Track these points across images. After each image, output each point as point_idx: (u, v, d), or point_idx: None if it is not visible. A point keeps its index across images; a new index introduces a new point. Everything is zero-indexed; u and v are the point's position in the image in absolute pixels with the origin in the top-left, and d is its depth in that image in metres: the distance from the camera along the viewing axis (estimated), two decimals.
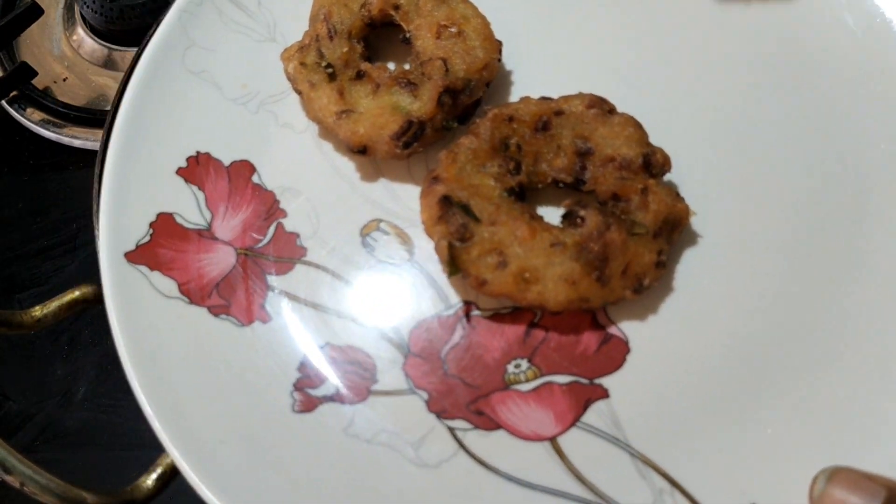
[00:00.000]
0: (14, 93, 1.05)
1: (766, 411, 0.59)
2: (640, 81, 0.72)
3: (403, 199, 0.70)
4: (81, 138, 1.02)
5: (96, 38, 1.08)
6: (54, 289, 0.63)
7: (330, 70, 0.69)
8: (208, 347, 0.64)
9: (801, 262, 0.64)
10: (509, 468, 0.59)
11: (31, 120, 1.03)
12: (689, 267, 0.65)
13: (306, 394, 0.63)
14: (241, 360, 0.64)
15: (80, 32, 1.09)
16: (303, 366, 0.64)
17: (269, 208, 0.70)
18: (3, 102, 1.04)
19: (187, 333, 0.64)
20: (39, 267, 0.98)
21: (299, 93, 0.70)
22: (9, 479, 0.62)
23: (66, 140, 1.02)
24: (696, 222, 0.66)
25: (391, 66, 0.73)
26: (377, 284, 0.67)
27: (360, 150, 0.68)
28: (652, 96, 0.71)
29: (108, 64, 1.07)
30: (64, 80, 1.07)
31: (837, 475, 0.53)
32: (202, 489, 0.58)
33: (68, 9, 1.12)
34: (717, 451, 0.59)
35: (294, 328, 0.65)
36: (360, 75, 0.69)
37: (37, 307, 0.75)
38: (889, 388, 0.59)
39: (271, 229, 0.69)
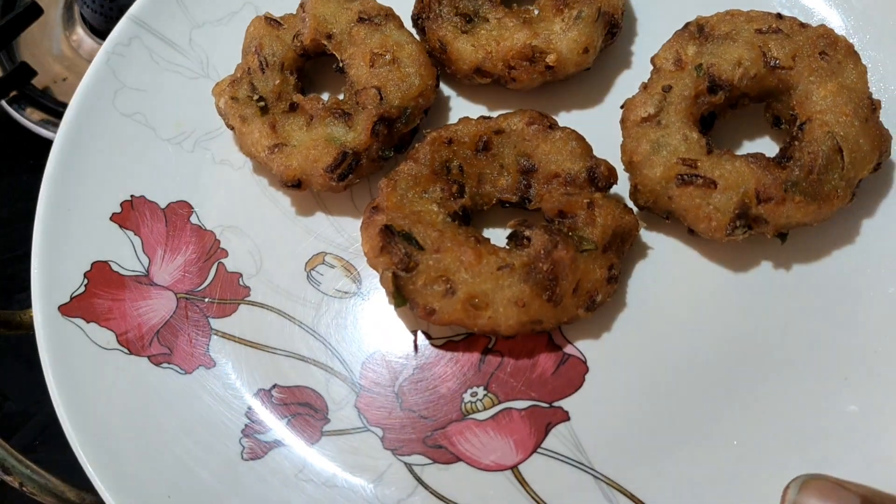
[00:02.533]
0: (14, 93, 1.03)
1: (731, 424, 0.58)
2: (582, 93, 0.71)
3: (348, 231, 0.68)
4: None
5: (96, 38, 1.06)
6: None
7: (262, 103, 0.67)
8: (151, 398, 0.61)
9: (757, 269, 0.63)
10: (471, 502, 0.57)
11: (30, 120, 1.02)
12: (642, 280, 0.63)
13: (256, 440, 0.60)
14: (186, 409, 0.61)
15: (80, 32, 1.07)
16: (251, 411, 0.61)
17: (209, 248, 0.68)
18: (3, 102, 1.03)
19: (128, 386, 0.62)
20: None
21: (231, 128, 0.68)
22: (8, 479, 0.61)
23: None
24: (646, 234, 0.64)
25: (326, 96, 0.71)
26: (324, 320, 0.64)
27: (294, 185, 0.66)
28: (594, 107, 0.70)
29: None
30: (63, 80, 1.05)
31: (810, 484, 0.52)
32: None
33: (68, 9, 1.10)
34: (683, 468, 0.57)
35: (240, 372, 0.63)
36: (293, 107, 0.67)
37: None
38: (852, 395, 0.57)
39: (212, 270, 0.67)
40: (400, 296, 0.60)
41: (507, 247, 0.61)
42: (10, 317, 0.72)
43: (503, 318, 0.58)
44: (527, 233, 0.59)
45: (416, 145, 0.65)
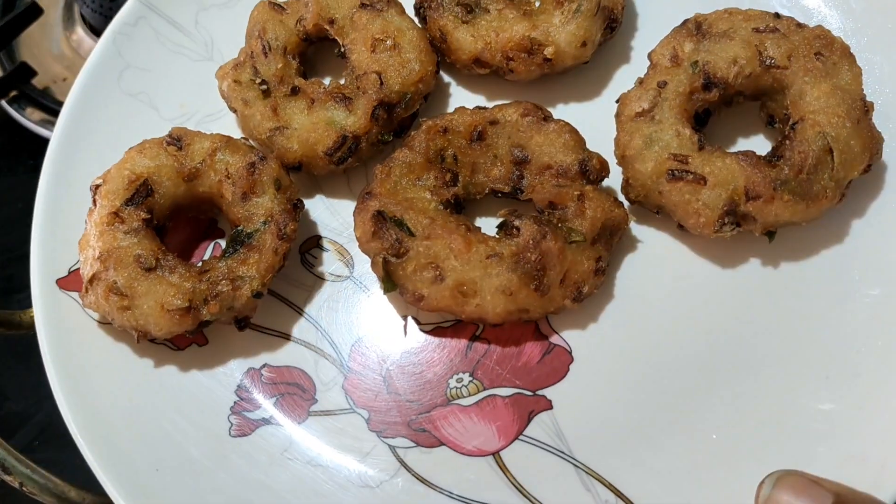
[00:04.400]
0: (14, 93, 1.04)
1: (710, 418, 0.59)
2: (579, 86, 0.72)
3: (342, 215, 0.69)
4: None
5: (96, 38, 1.05)
6: None
7: (264, 87, 0.68)
8: (143, 373, 0.63)
9: (744, 266, 0.63)
10: (452, 485, 0.58)
11: (30, 120, 1.02)
12: (630, 273, 0.64)
13: (244, 417, 0.61)
14: (177, 384, 0.62)
15: (80, 32, 1.08)
16: (240, 389, 0.62)
17: (206, 228, 0.69)
18: (3, 102, 1.04)
19: (121, 359, 0.63)
20: None
21: (234, 110, 0.69)
22: (8, 479, 0.62)
23: None
24: (636, 228, 0.65)
25: (327, 81, 0.72)
26: (316, 302, 0.65)
27: (295, 167, 0.67)
28: (591, 100, 0.71)
29: None
30: (63, 80, 1.06)
31: (784, 480, 0.52)
32: None
33: (68, 9, 1.10)
34: (661, 459, 0.58)
35: (231, 350, 0.64)
36: (294, 91, 0.68)
37: None
38: (832, 393, 0.58)
39: (209, 250, 0.68)
40: (390, 281, 0.61)
41: (497, 236, 0.62)
42: (10, 317, 0.73)
43: (490, 306, 0.59)
44: (516, 223, 0.60)
45: (412, 133, 0.65)
